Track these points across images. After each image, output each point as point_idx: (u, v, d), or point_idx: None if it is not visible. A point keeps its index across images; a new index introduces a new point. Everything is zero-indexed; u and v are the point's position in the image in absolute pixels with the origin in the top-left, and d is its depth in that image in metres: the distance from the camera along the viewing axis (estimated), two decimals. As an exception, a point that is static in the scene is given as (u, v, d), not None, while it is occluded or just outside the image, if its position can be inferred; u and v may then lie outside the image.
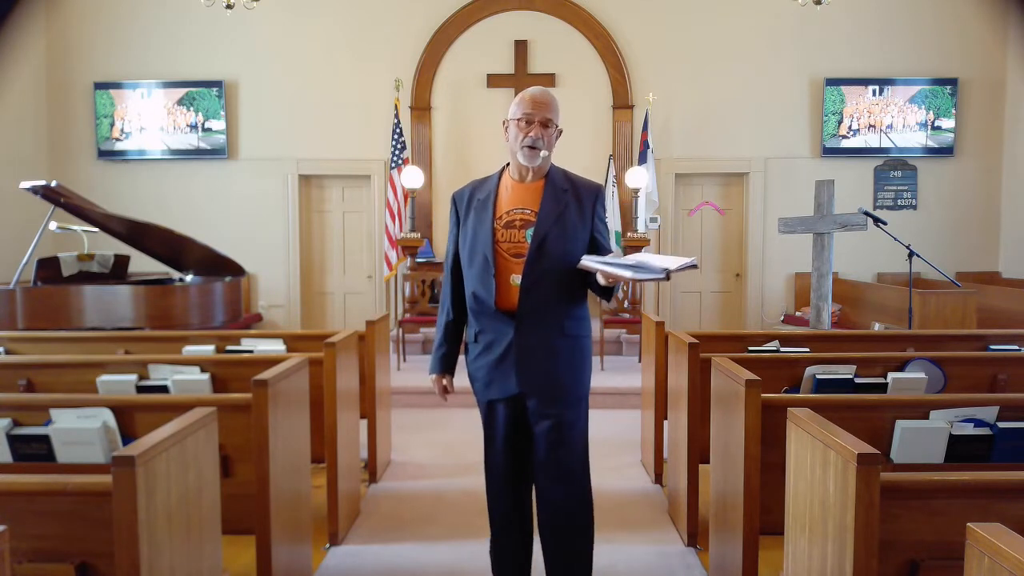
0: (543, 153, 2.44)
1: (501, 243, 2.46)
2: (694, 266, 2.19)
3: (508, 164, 2.57)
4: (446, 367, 2.65)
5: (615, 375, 6.36)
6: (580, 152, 7.56)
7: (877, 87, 8.06)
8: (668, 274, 2.15)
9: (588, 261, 2.35)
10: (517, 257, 2.44)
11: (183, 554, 2.02)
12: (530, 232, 2.44)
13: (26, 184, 5.43)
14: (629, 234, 7.31)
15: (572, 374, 2.50)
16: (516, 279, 2.43)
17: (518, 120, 2.46)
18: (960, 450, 2.44)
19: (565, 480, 2.49)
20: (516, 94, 2.57)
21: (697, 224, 8.36)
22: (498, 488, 2.58)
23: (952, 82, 8.02)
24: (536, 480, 2.53)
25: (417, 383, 6.02)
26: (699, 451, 3.38)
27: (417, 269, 7.38)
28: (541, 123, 2.43)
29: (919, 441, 2.45)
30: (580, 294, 2.53)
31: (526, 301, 2.42)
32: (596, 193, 2.55)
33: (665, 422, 4.00)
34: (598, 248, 2.51)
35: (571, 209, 2.47)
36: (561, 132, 2.52)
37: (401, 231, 7.58)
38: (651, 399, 4.26)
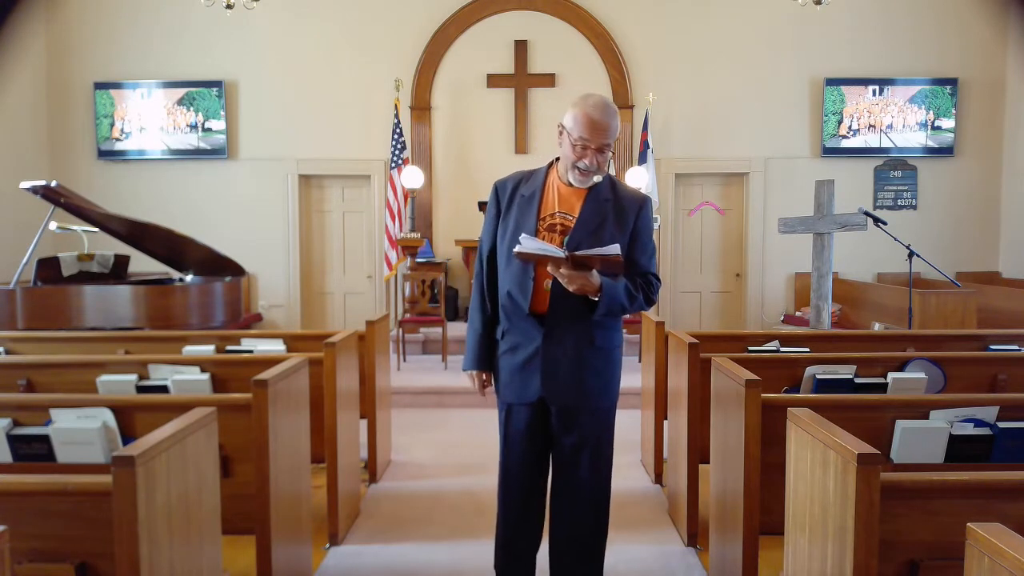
0: (596, 178, 2.40)
1: None
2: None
3: (557, 159, 2.49)
4: (485, 363, 2.53)
5: (615, 375, 6.35)
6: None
7: (877, 87, 8.06)
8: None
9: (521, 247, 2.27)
10: None
11: (183, 554, 2.02)
12: (568, 240, 2.38)
13: (26, 184, 5.43)
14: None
15: (600, 387, 2.44)
16: (549, 284, 2.37)
17: (573, 141, 2.36)
18: (960, 450, 2.44)
19: (582, 502, 2.44)
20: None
21: (697, 224, 8.37)
22: (512, 497, 2.52)
23: (952, 82, 8.02)
24: (553, 494, 2.49)
25: (417, 383, 6.02)
26: (699, 451, 3.38)
27: (417, 269, 7.38)
28: (597, 149, 2.35)
29: (919, 441, 2.44)
30: None
31: (557, 308, 2.36)
32: (640, 204, 2.46)
33: (665, 422, 4.00)
34: (632, 263, 2.42)
35: (610, 220, 2.40)
36: (613, 154, 2.50)
37: (401, 231, 7.58)
38: (651, 399, 4.26)
